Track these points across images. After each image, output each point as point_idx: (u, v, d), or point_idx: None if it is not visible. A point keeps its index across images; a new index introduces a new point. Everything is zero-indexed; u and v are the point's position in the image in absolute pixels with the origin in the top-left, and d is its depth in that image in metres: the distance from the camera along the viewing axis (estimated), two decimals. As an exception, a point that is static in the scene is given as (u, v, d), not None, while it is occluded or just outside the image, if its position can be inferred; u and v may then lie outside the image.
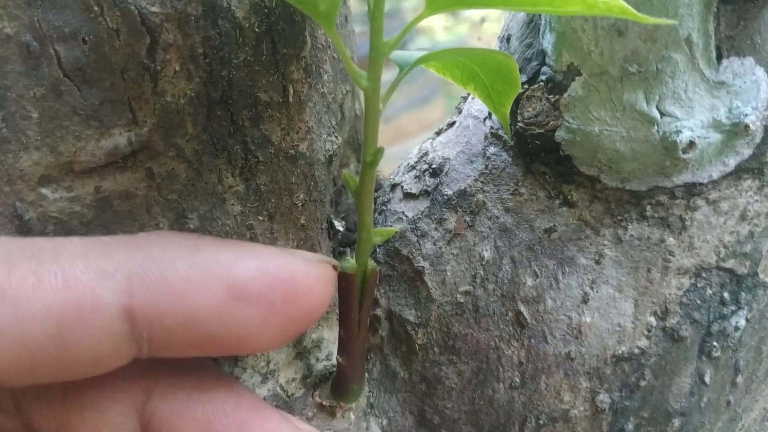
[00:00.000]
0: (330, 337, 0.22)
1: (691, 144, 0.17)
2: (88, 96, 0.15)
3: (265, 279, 0.14)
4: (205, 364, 0.17)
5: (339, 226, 0.23)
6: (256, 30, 0.17)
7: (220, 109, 0.17)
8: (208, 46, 0.16)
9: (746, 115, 0.18)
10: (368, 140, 0.16)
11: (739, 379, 0.22)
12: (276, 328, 0.14)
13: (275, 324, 0.14)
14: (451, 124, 0.24)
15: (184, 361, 0.16)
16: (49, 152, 0.15)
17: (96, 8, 0.14)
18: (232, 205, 0.18)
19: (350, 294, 0.18)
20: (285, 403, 0.20)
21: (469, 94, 0.24)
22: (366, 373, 0.23)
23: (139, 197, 0.17)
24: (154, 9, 0.15)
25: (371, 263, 0.18)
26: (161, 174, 0.17)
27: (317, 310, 0.15)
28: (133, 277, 0.13)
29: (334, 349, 0.21)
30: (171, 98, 0.16)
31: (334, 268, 0.16)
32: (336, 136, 0.22)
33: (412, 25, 0.15)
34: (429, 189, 0.23)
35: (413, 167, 0.24)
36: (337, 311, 0.22)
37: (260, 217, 0.19)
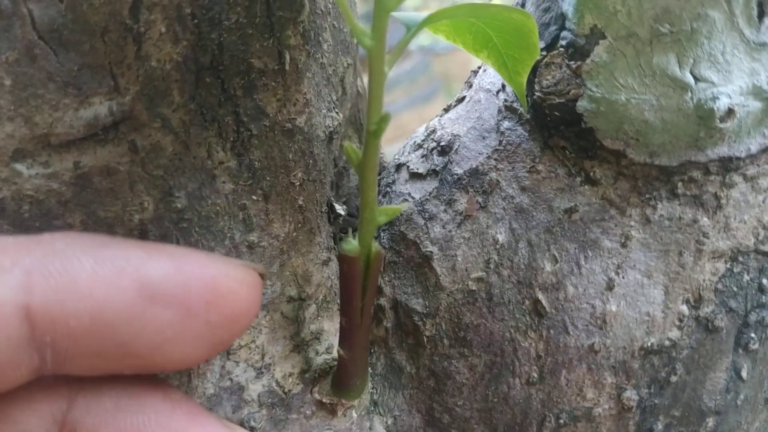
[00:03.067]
0: (330, 328, 0.21)
1: (730, 112, 0.17)
2: (66, 61, 0.15)
3: (180, 279, 0.13)
4: None
5: (340, 210, 0.23)
6: (249, -12, 0.16)
7: (209, 76, 0.16)
8: (196, 5, 0.15)
9: (789, 80, 0.17)
10: (372, 106, 0.15)
11: (779, 375, 0.21)
12: (196, 335, 0.14)
13: (194, 330, 0.14)
14: (461, 100, 0.23)
15: None
16: (23, 123, 0.15)
17: (72, -40, 0.14)
18: (223, 182, 0.18)
19: (352, 279, 0.17)
20: (281, 401, 0.20)
21: (480, 67, 0.24)
22: (369, 368, 0.22)
23: (122, 173, 0.16)
24: (136, -38, 0.14)
25: (376, 245, 0.17)
26: (145, 147, 0.16)
27: (242, 318, 0.14)
28: (32, 273, 0.13)
29: (335, 341, 0.20)
30: (156, 63, 0.15)
31: (261, 276, 0.15)
32: (337, 112, 0.21)
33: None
34: (437, 168, 0.22)
35: (420, 146, 0.23)
36: (338, 300, 0.21)
37: (254, 197, 0.18)
